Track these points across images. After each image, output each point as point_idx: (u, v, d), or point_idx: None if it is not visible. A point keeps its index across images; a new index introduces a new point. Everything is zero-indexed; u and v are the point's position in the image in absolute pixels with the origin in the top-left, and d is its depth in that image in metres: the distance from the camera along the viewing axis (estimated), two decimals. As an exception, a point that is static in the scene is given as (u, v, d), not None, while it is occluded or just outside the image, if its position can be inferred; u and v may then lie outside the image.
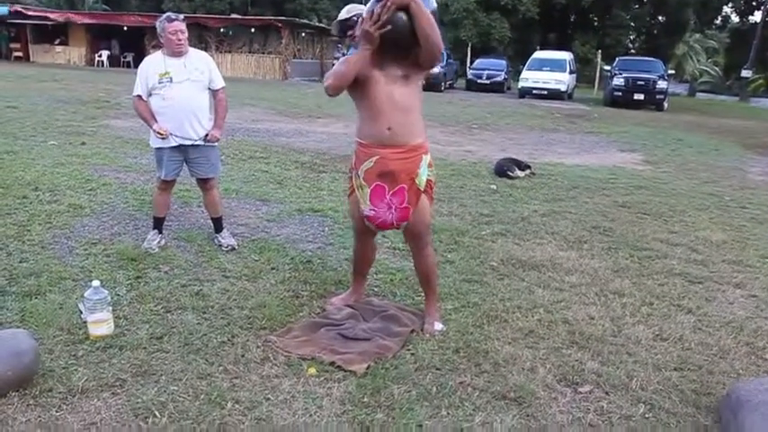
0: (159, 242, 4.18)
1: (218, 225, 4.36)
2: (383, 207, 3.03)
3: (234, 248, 4.22)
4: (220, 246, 4.25)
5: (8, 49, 28.64)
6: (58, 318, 3.05)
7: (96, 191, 5.46)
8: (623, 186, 7.25)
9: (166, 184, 4.21)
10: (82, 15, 28.13)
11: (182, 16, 3.98)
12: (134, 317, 3.15)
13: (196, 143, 4.04)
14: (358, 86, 2.91)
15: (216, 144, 4.19)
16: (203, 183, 4.28)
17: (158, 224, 4.26)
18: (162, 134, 3.92)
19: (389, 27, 2.71)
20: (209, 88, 4.09)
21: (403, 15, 2.71)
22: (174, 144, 4.00)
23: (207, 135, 4.05)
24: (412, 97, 2.93)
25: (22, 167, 6.10)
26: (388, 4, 2.68)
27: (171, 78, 3.90)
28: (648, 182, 7.65)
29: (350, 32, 2.99)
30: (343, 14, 3.12)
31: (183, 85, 3.93)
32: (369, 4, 2.81)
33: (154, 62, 3.98)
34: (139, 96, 3.97)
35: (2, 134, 7.91)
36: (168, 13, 4.01)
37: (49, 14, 27.67)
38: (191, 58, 3.99)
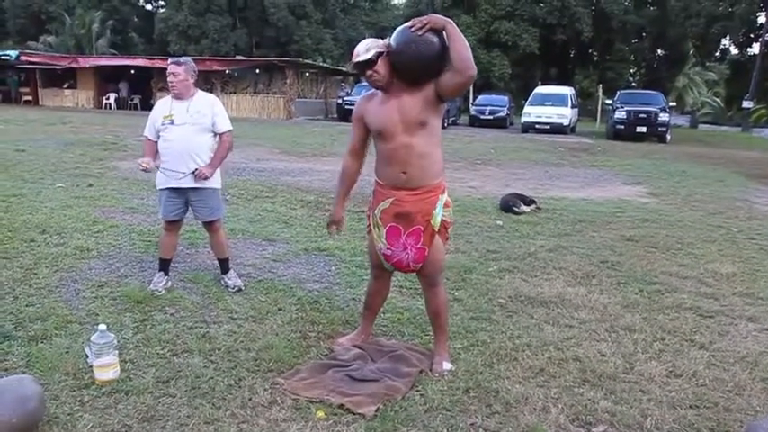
0: (165, 284, 4.17)
1: (224, 266, 4.36)
2: (399, 247, 3.05)
3: (240, 289, 4.21)
4: (227, 287, 4.24)
5: (18, 94, 29.16)
6: (63, 362, 3.03)
7: (103, 233, 5.48)
8: (629, 219, 7.23)
9: (170, 225, 4.23)
10: (89, 59, 28.64)
11: (182, 59, 4.07)
12: (140, 360, 3.13)
13: (194, 186, 4.05)
14: (377, 133, 2.96)
15: (217, 188, 4.19)
16: (208, 224, 4.29)
17: (164, 266, 4.26)
18: (145, 167, 4.00)
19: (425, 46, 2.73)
20: (214, 132, 4.11)
21: (437, 37, 2.76)
22: (174, 186, 4.05)
23: (196, 170, 4.00)
24: (430, 143, 2.96)
25: (29, 210, 6.14)
26: (425, 22, 2.74)
27: (172, 121, 3.99)
28: (654, 214, 7.63)
29: (369, 72, 2.89)
30: (363, 55, 2.88)
31: (182, 127, 3.99)
32: (398, 30, 2.85)
33: (162, 105, 4.09)
34: (147, 137, 4.13)
35: (10, 177, 7.99)
36: (174, 58, 4.13)
37: (57, 59, 28.21)
38: (195, 101, 4.04)
